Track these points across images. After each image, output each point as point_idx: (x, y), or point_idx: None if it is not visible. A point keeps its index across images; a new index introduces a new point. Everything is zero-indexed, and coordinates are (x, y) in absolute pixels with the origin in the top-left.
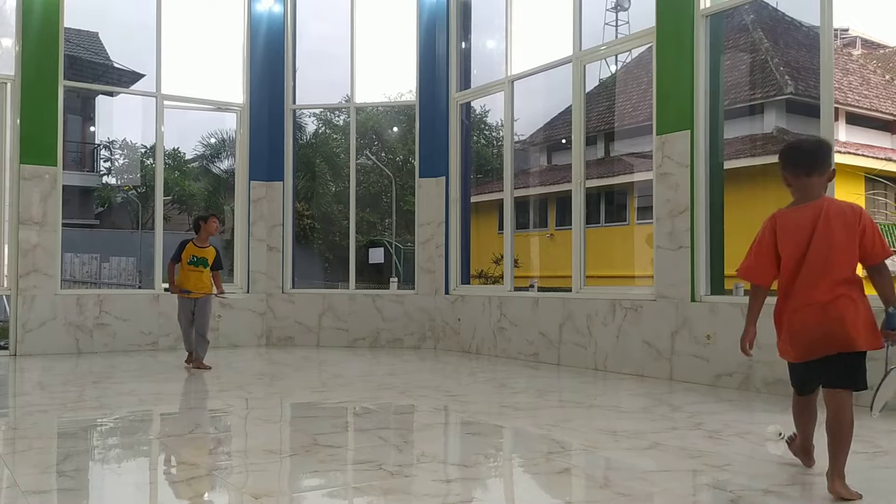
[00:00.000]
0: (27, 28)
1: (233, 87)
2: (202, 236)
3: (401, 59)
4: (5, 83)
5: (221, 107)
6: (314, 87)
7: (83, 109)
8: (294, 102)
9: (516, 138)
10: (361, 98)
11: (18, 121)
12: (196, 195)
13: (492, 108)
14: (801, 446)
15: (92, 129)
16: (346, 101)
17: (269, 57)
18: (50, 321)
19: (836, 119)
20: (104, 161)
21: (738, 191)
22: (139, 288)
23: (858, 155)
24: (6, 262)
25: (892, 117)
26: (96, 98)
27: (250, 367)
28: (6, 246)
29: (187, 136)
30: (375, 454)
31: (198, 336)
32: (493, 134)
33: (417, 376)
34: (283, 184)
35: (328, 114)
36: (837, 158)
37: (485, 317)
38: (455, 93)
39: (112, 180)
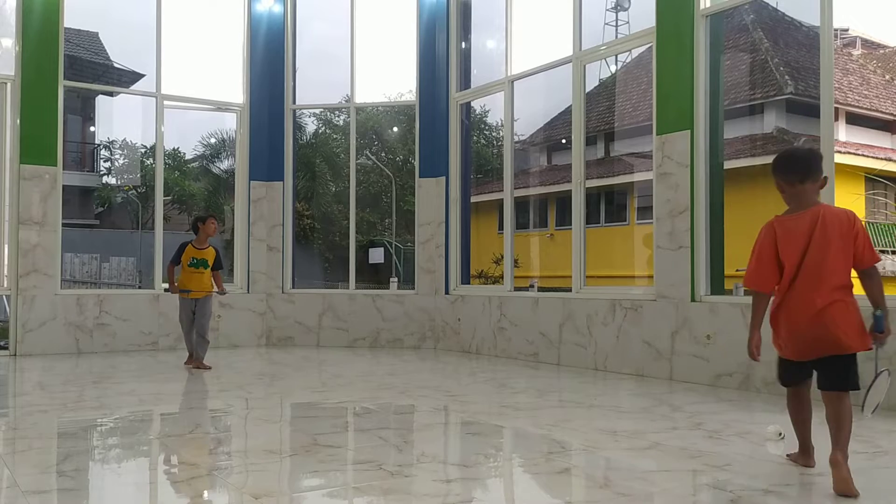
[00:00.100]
0: (27, 28)
1: (233, 87)
2: (201, 238)
3: (401, 59)
4: (5, 83)
5: (221, 107)
6: (314, 87)
7: (83, 109)
8: (294, 102)
9: (516, 138)
10: (361, 98)
11: (18, 121)
12: (196, 195)
13: (492, 108)
14: (800, 447)
15: (92, 129)
16: (346, 101)
17: (269, 57)
18: (50, 321)
19: (836, 119)
20: (104, 161)
21: (738, 191)
22: (139, 288)
23: (858, 155)
24: (6, 262)
25: (892, 117)
26: (96, 98)
27: (250, 367)
28: (6, 246)
29: (187, 136)
30: (375, 454)
31: (198, 336)
32: (493, 134)
33: (417, 376)
34: (283, 184)
35: (328, 114)
36: (837, 158)
37: (485, 317)
38: (455, 93)
39: (112, 180)
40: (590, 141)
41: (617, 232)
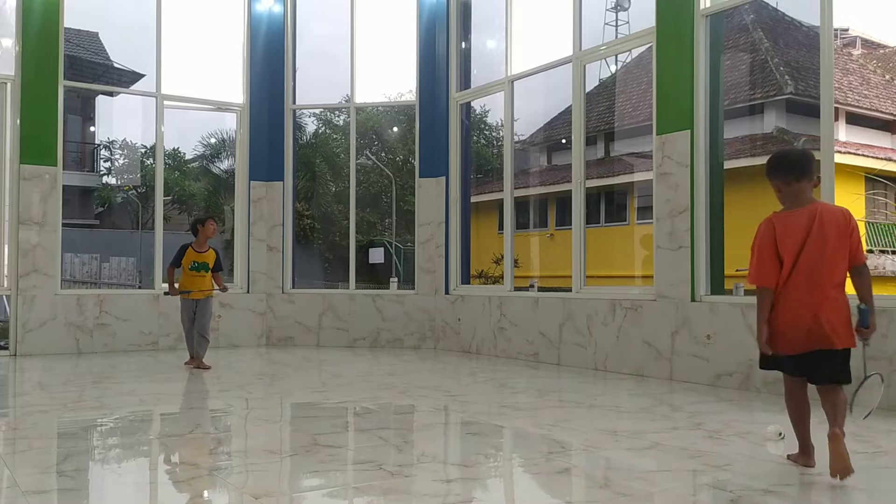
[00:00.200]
0: (27, 28)
1: (233, 87)
2: (201, 240)
3: (401, 59)
4: (5, 83)
5: (221, 107)
6: (314, 87)
7: (83, 109)
8: (294, 102)
9: (516, 138)
10: (361, 98)
11: (18, 121)
12: (196, 195)
13: (492, 108)
14: (800, 447)
15: (92, 129)
16: (346, 101)
17: (269, 57)
18: (50, 321)
19: (836, 119)
20: (104, 161)
21: (738, 191)
22: (139, 288)
23: (858, 155)
24: (6, 262)
25: (892, 117)
26: (96, 98)
27: (250, 367)
28: (6, 246)
29: (187, 136)
30: (375, 454)
31: (199, 336)
32: (493, 134)
33: (417, 376)
34: (283, 184)
35: (328, 114)
36: (837, 158)
37: (485, 317)
38: (455, 93)
39: (112, 180)
40: (590, 141)
41: (617, 232)
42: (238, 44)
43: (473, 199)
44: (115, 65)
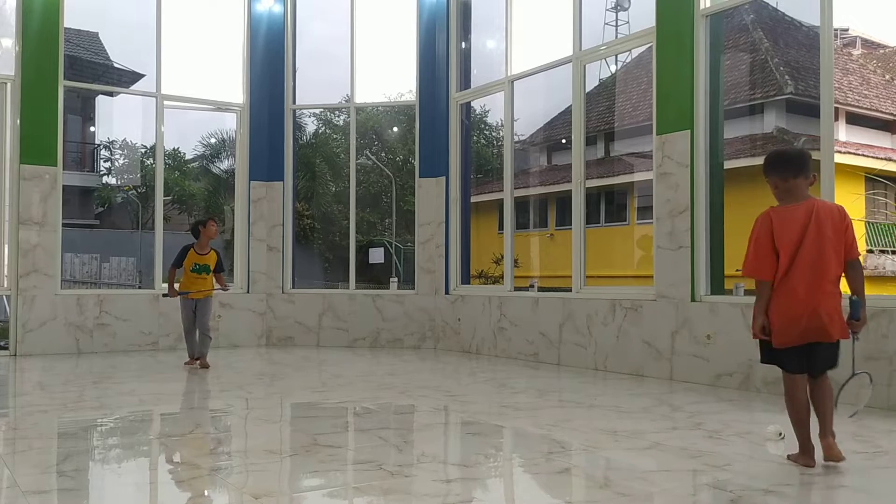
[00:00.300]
0: (27, 28)
1: (233, 87)
2: (202, 242)
3: (401, 59)
4: (5, 83)
5: (221, 107)
6: (314, 87)
7: (83, 109)
8: (294, 102)
9: (516, 138)
10: (361, 98)
11: (18, 121)
12: (196, 195)
13: (492, 108)
14: (800, 447)
15: (92, 129)
16: (346, 101)
17: (269, 57)
18: (50, 321)
19: (836, 119)
20: (104, 161)
21: (738, 191)
22: (139, 288)
23: (858, 155)
24: (6, 262)
25: (892, 117)
26: (96, 98)
27: (250, 367)
28: (6, 246)
29: (187, 136)
30: (375, 454)
31: (201, 334)
32: (493, 134)
33: (417, 376)
34: (283, 184)
35: (328, 114)
36: (837, 158)
37: (485, 317)
38: (455, 93)
39: (112, 180)
40: (590, 141)
41: (617, 232)
42: (238, 44)
43: (473, 199)
44: (115, 65)
